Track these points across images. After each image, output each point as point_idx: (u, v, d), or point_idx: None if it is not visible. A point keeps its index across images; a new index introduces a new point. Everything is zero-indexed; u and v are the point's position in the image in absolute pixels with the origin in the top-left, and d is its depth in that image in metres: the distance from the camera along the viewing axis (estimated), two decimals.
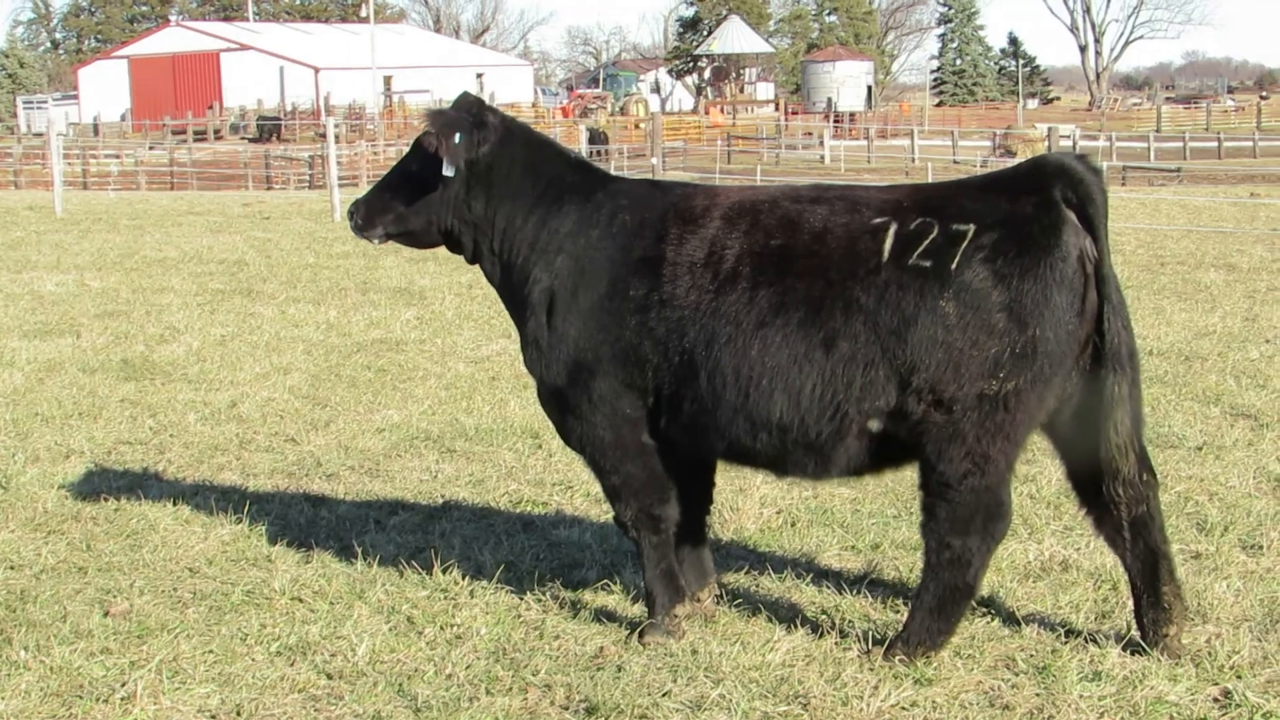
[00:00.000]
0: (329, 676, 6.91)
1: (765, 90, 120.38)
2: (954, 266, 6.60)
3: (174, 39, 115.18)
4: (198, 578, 8.28)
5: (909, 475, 7.02)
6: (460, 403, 12.72)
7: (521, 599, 7.84)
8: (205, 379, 13.85)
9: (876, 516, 9.23)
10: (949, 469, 6.69)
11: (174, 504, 9.65)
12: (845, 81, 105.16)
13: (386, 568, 8.37)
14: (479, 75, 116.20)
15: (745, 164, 63.48)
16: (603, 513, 9.40)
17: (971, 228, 6.64)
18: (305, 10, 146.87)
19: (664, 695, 6.62)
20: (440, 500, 9.72)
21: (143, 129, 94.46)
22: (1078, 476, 7.10)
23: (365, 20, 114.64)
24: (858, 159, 66.88)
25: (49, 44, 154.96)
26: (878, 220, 6.80)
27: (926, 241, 6.67)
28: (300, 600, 7.86)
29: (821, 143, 73.69)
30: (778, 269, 6.86)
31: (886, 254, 6.70)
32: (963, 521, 6.73)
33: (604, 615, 7.63)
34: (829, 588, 7.94)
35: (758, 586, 8.00)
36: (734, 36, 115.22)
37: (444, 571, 8.22)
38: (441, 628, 7.46)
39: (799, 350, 6.77)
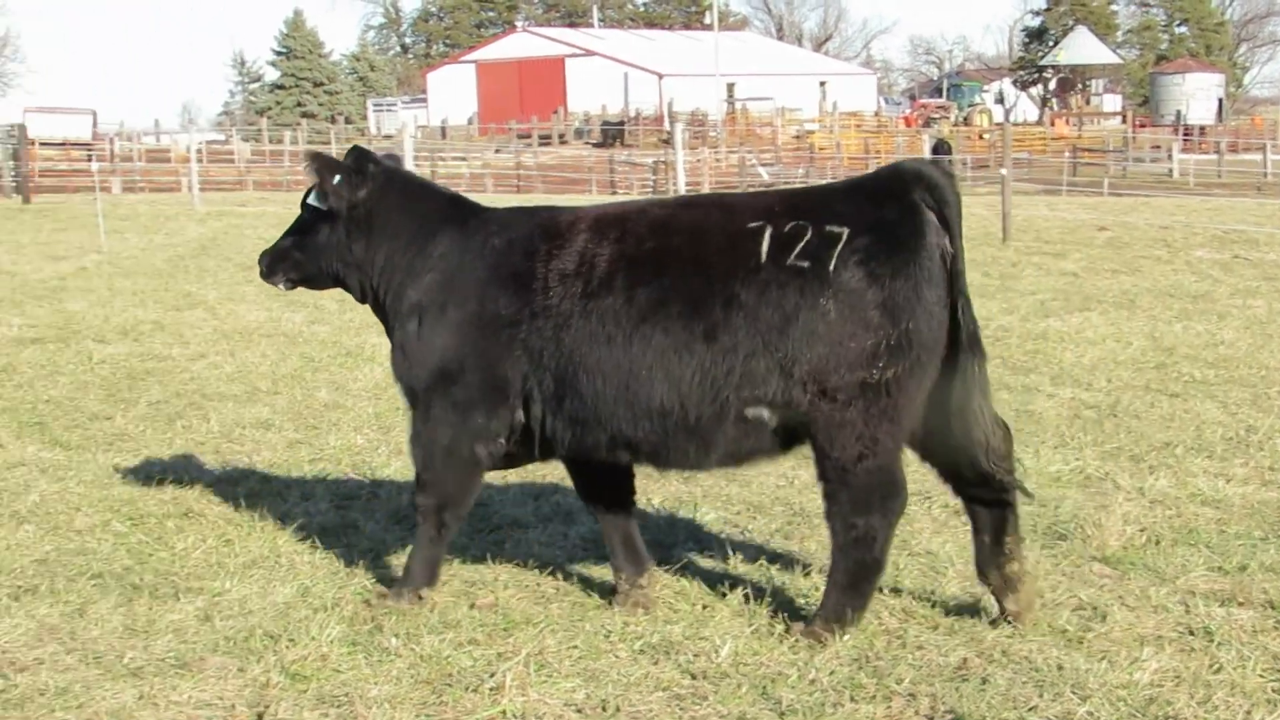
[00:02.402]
0: (692, 676, 6.99)
1: (1112, 102, 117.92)
2: (832, 268, 7.12)
3: (520, 44, 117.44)
4: (560, 574, 8.46)
5: None
6: None
7: (883, 607, 7.82)
8: None
9: (1244, 538, 8.99)
10: (842, 454, 7.20)
11: (535, 501, 9.92)
12: (1195, 94, 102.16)
13: (747, 571, 8.45)
14: (821, 83, 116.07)
15: (1091, 176, 62.04)
16: (962, 524, 9.35)
17: (845, 231, 7.18)
18: (649, 17, 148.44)
19: (1030, 710, 6.55)
20: (799, 506, 9.76)
21: (489, 132, 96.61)
22: (940, 454, 7.64)
23: (708, 27, 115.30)
24: (1207, 173, 64.88)
25: (399, 48, 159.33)
26: (753, 224, 7.29)
27: (802, 243, 7.18)
28: (662, 600, 7.96)
29: (1170, 156, 71.82)
30: (655, 269, 7.38)
31: (765, 255, 7.21)
32: (862, 502, 7.24)
33: (965, 626, 7.58)
34: (1196, 609, 7.78)
35: (1121, 604, 7.87)
36: (1080, 47, 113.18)
37: (804, 576, 8.29)
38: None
39: (680, 341, 7.28)
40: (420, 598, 7.91)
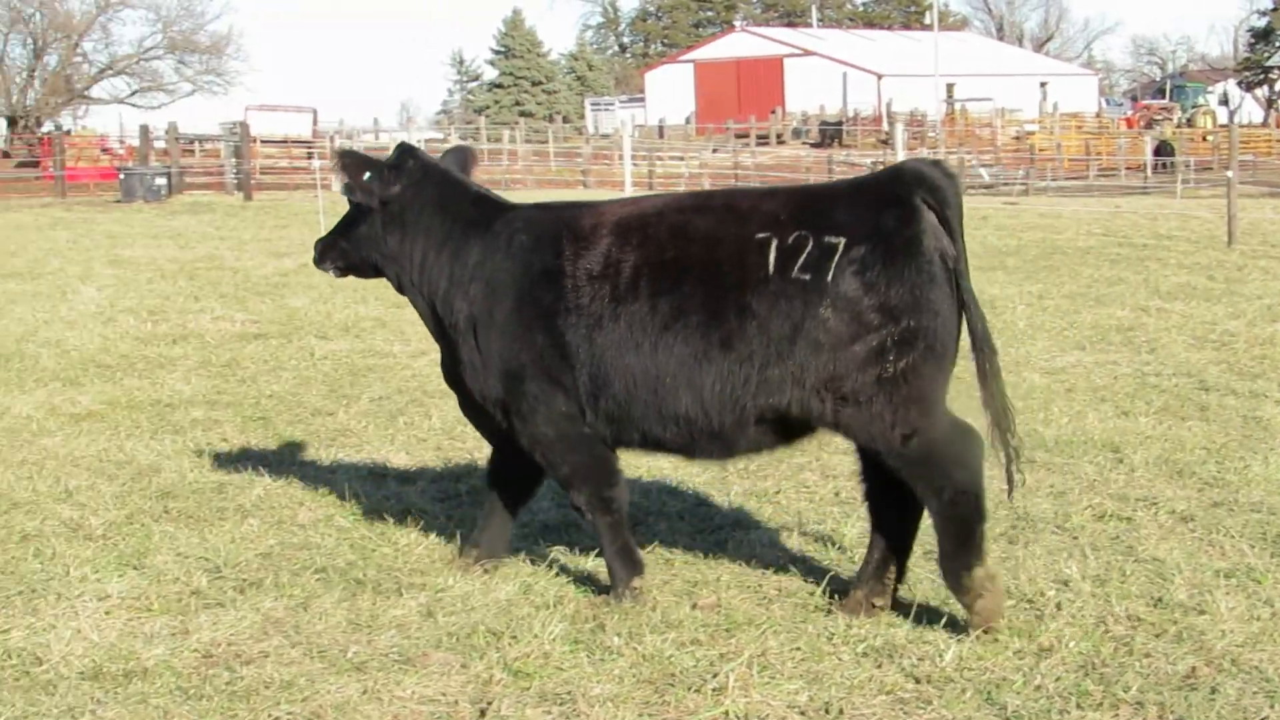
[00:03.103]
0: (916, 680, 6.90)
1: None
2: (829, 279, 7.29)
3: (739, 44, 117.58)
4: (782, 575, 8.40)
5: None
6: (1037, 413, 12.54)
7: (1108, 614, 7.67)
8: None
9: None
10: (888, 446, 7.40)
11: (757, 501, 9.89)
12: None
13: None
14: (1042, 84, 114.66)
15: None
16: (1189, 530, 9.14)
17: (842, 241, 7.33)
18: (868, 17, 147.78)
19: None
20: (1022, 510, 9.60)
21: (706, 132, 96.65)
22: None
23: (928, 27, 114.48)
24: None
25: (617, 48, 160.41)
26: (761, 235, 7.47)
27: (803, 256, 7.35)
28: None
29: None
30: (674, 278, 7.58)
31: (772, 267, 7.38)
32: (940, 467, 7.40)
33: (1194, 634, 7.39)
34: None
35: None
36: None
37: (1030, 581, 8.15)
38: (1029, 638, 7.36)
39: (699, 351, 7.50)
40: (637, 589, 7.99)
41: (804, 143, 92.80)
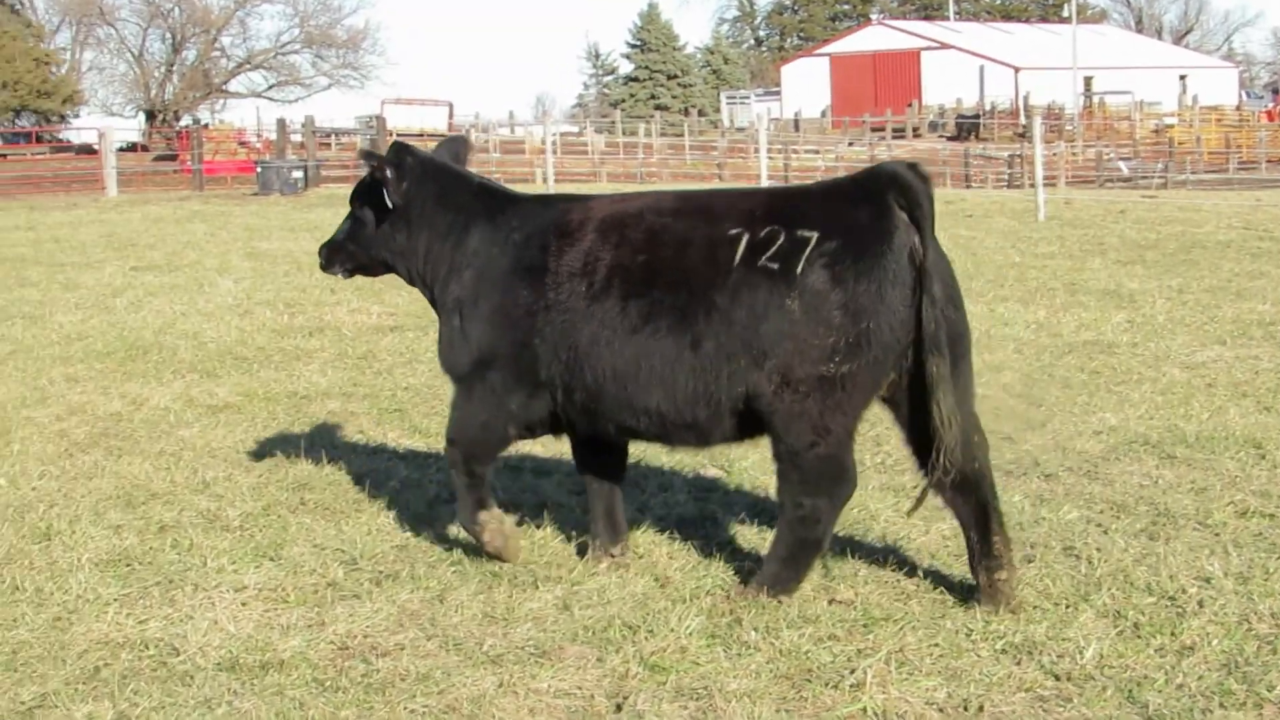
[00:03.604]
0: (1056, 677, 6.83)
1: None
2: (799, 271, 7.48)
3: (875, 37, 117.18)
4: (920, 571, 8.34)
5: None
6: (1178, 409, 12.37)
7: (1251, 612, 7.55)
8: None
9: None
10: (796, 441, 7.59)
11: (894, 496, 9.81)
12: None
13: (1110, 571, 8.21)
14: (1181, 77, 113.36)
15: None
16: None
17: (815, 235, 7.52)
18: (1005, 10, 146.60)
19: None
20: (1163, 506, 9.47)
21: (842, 125, 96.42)
22: (914, 445, 7.88)
23: (1066, 20, 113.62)
24: None
25: (752, 41, 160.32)
26: (733, 231, 7.69)
27: (774, 247, 7.56)
28: (1024, 599, 7.78)
29: None
30: (646, 281, 7.82)
31: (738, 259, 7.61)
32: (812, 484, 7.62)
33: None
34: None
35: None
36: None
37: (1170, 579, 8.03)
38: (1170, 636, 7.26)
39: (671, 353, 7.74)
40: (481, 522, 8.43)
41: (941, 136, 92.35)
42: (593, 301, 7.92)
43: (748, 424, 7.86)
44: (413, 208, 8.71)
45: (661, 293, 7.78)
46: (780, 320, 7.49)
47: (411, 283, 8.99)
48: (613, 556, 8.54)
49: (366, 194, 8.86)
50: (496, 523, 8.49)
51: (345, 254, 9.10)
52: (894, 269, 7.46)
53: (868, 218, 7.56)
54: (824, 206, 7.75)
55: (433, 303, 8.83)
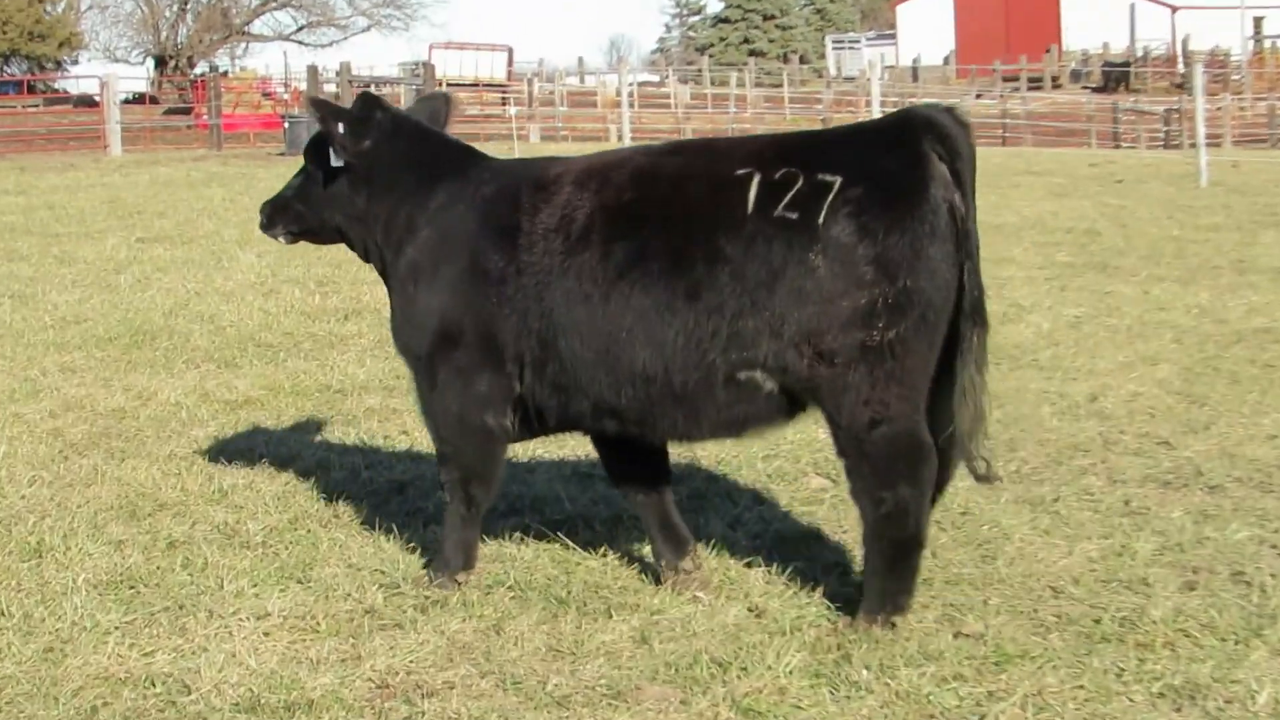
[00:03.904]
0: None
1: None
2: (821, 220, 7.49)
3: None
4: (1061, 599, 8.27)
5: None
6: None
7: None
8: (1058, 366, 13.95)
9: None
10: (852, 421, 7.60)
11: (1031, 511, 9.73)
12: None
13: None
14: None
15: None
16: None
17: (839, 180, 7.53)
18: None
19: None
20: None
21: (968, 74, 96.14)
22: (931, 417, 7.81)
23: None
24: None
25: None
26: (741, 171, 7.70)
27: (792, 193, 7.57)
28: (1185, 634, 7.71)
29: None
30: (634, 222, 7.89)
31: (751, 205, 7.62)
32: (885, 471, 7.62)
33: None
34: None
35: None
36: None
37: None
38: None
39: (662, 301, 7.75)
40: (457, 583, 8.51)
41: (1084, 87, 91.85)
42: (569, 256, 8.00)
43: (744, 406, 7.90)
44: (377, 169, 8.78)
45: (650, 239, 7.85)
46: (801, 279, 7.54)
47: (365, 257, 9.07)
48: (684, 572, 8.54)
49: (323, 148, 8.92)
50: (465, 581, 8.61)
51: (292, 214, 9.17)
52: (932, 223, 7.51)
53: (899, 165, 7.61)
54: (847, 149, 7.81)
55: (384, 275, 8.93)
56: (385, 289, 8.93)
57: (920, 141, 7.61)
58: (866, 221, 7.46)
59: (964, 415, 7.72)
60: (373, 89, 72.99)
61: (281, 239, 9.31)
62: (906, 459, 7.62)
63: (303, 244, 9.41)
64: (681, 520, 8.75)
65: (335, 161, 8.78)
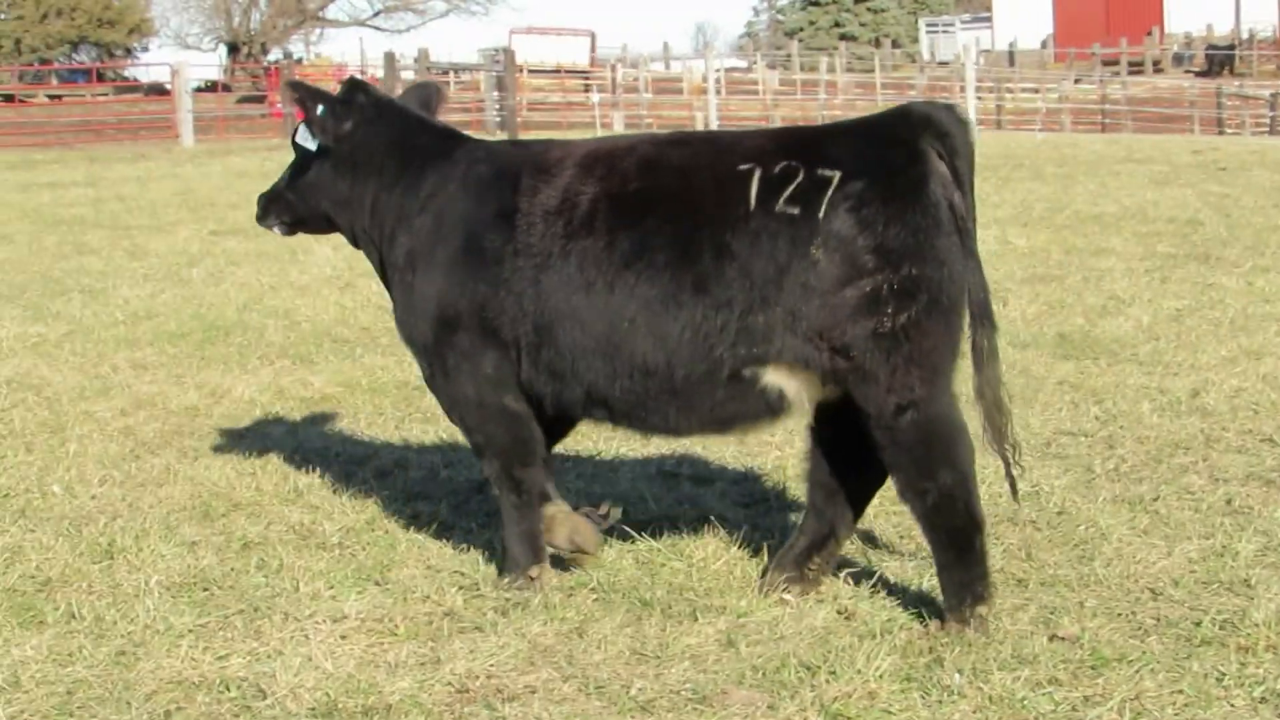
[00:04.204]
0: None
1: None
2: (821, 214, 7.69)
3: None
4: (1160, 601, 8.26)
5: None
6: None
7: None
8: (1159, 361, 13.87)
9: None
10: (879, 411, 7.76)
11: (1129, 510, 9.71)
12: None
13: None
14: None
15: None
16: None
17: (838, 174, 7.72)
18: None
19: None
20: None
21: (1067, 58, 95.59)
22: None
23: None
24: None
25: None
26: (743, 166, 7.90)
27: (792, 187, 7.75)
28: None
29: None
30: (638, 212, 8.05)
31: (754, 200, 7.81)
32: (924, 459, 7.79)
33: None
34: None
35: None
36: None
37: None
38: None
39: (667, 293, 7.92)
40: (530, 578, 8.58)
41: (1187, 71, 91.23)
42: (570, 240, 8.14)
43: (738, 403, 8.07)
44: (360, 153, 8.95)
45: (656, 230, 7.99)
46: (804, 273, 7.72)
47: (355, 243, 9.25)
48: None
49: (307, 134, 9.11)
50: (541, 576, 8.69)
51: (283, 204, 9.39)
52: (935, 215, 7.71)
53: (899, 160, 7.79)
54: (848, 145, 7.96)
55: (381, 267, 9.06)
56: (385, 276, 9.06)
57: (919, 138, 7.81)
58: (867, 214, 7.66)
59: (986, 410, 7.97)
60: (451, 75, 73.40)
61: (277, 230, 9.51)
62: (941, 443, 7.79)
63: None
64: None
65: (310, 144, 8.99)
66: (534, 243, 8.21)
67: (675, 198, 8.01)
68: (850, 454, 8.24)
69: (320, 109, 8.90)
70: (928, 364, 7.73)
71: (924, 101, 8.48)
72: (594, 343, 8.11)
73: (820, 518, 8.51)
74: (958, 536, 7.84)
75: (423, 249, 8.63)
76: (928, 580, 8.53)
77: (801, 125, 9.00)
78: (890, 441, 7.81)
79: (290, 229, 9.51)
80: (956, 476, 7.79)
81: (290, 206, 9.33)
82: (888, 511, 9.76)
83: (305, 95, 8.99)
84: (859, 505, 8.51)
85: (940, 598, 8.11)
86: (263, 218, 9.48)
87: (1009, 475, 8.14)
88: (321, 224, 9.36)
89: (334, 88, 9.18)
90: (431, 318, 8.54)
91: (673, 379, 8.03)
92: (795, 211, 7.74)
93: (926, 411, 7.74)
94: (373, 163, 8.92)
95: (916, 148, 7.78)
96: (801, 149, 7.95)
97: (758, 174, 7.85)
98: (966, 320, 7.86)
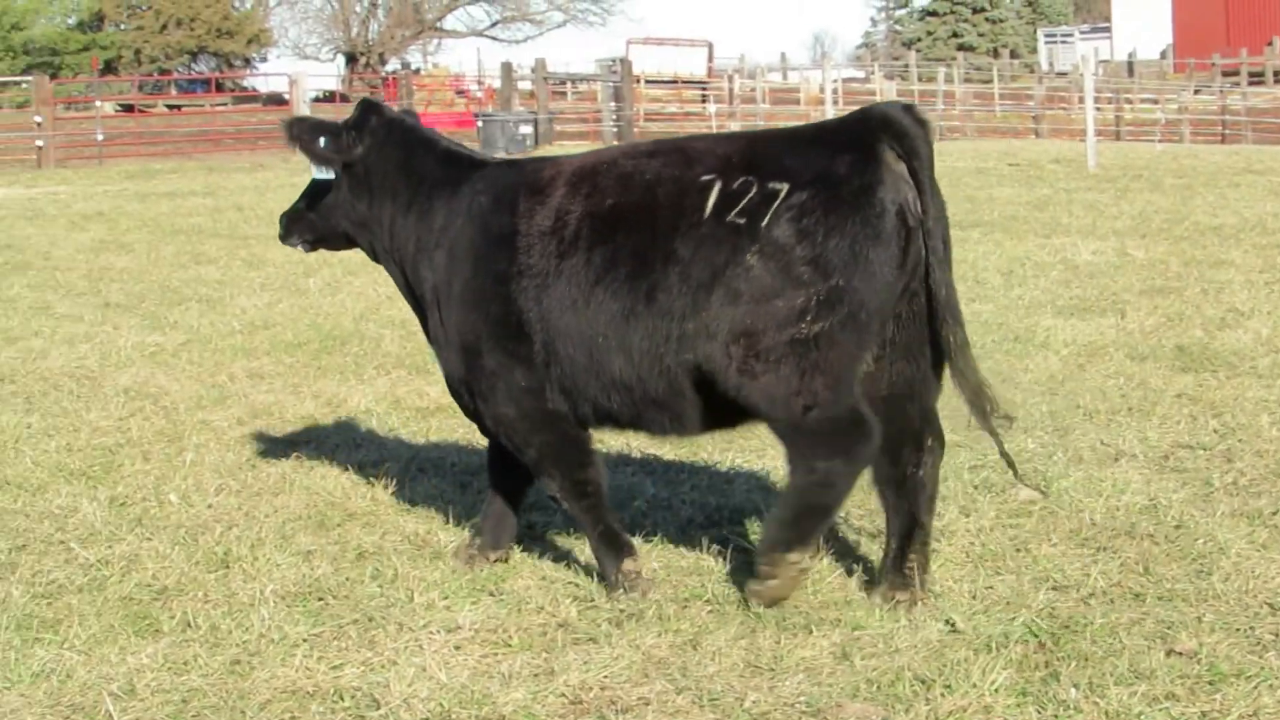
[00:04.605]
0: None
1: None
2: (764, 224, 7.87)
3: None
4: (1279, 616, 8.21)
5: None
6: None
7: None
8: (1279, 374, 13.74)
9: None
10: (787, 413, 7.97)
11: (1248, 524, 9.62)
12: None
13: None
14: None
15: None
16: None
17: (785, 186, 7.90)
18: None
19: None
20: None
21: (1186, 68, 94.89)
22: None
23: None
24: None
25: None
26: (705, 177, 8.09)
27: (744, 201, 7.94)
28: None
29: None
30: (610, 228, 8.27)
31: (709, 210, 8.00)
32: (824, 445, 7.96)
33: None
34: None
35: None
36: None
37: None
38: None
39: (627, 306, 8.17)
40: (633, 573, 8.71)
41: None
42: (561, 259, 8.39)
43: (722, 404, 8.24)
44: (374, 175, 9.24)
45: (622, 244, 8.24)
46: (737, 280, 7.90)
47: (376, 259, 9.55)
48: (488, 559, 9.25)
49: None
50: (636, 568, 8.79)
51: (305, 223, 9.72)
52: (875, 226, 7.85)
53: (846, 168, 7.93)
54: (802, 154, 8.11)
55: (406, 286, 9.32)
56: (412, 297, 9.33)
57: (875, 142, 7.96)
58: (807, 225, 7.85)
59: (966, 396, 8.25)
60: (569, 86, 73.55)
61: (300, 248, 9.85)
62: (844, 435, 7.96)
63: None
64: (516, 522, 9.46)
65: (316, 174, 9.28)
66: (534, 263, 8.48)
67: (645, 211, 8.22)
68: (898, 438, 8.31)
69: (323, 141, 9.17)
70: (833, 372, 7.92)
71: (884, 102, 8.54)
72: (585, 359, 8.39)
73: (898, 512, 8.52)
74: (813, 511, 8.10)
75: (442, 283, 8.89)
76: (1043, 595, 8.49)
77: (770, 131, 9.05)
78: (794, 431, 8.03)
79: (312, 246, 9.84)
80: (847, 469, 8.01)
81: (312, 225, 9.66)
82: (1003, 523, 9.73)
83: (303, 133, 9.27)
84: (927, 485, 8.49)
85: (1060, 613, 8.08)
86: (285, 236, 9.79)
87: (1002, 453, 8.45)
88: (341, 242, 9.69)
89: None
90: (458, 347, 8.83)
91: (647, 389, 8.30)
92: (741, 222, 7.93)
93: (831, 410, 7.92)
94: (387, 185, 9.22)
95: (870, 151, 7.93)
96: (761, 160, 8.12)
97: (717, 186, 8.05)
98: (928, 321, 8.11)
